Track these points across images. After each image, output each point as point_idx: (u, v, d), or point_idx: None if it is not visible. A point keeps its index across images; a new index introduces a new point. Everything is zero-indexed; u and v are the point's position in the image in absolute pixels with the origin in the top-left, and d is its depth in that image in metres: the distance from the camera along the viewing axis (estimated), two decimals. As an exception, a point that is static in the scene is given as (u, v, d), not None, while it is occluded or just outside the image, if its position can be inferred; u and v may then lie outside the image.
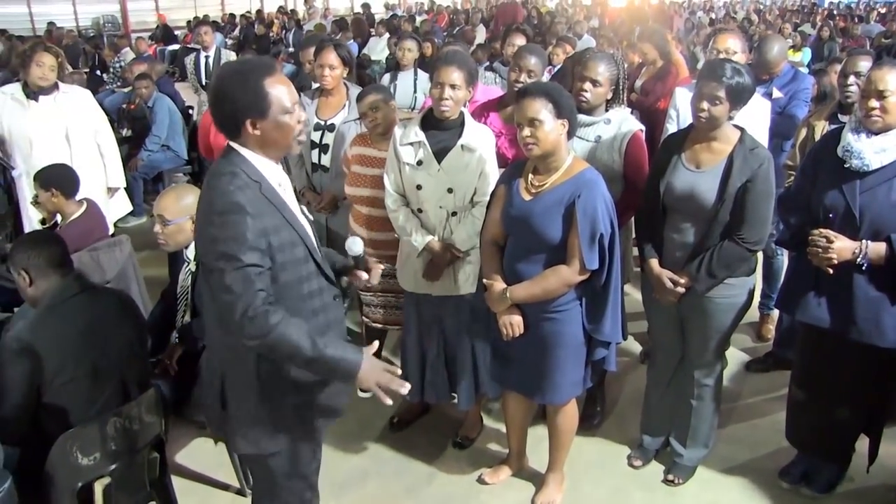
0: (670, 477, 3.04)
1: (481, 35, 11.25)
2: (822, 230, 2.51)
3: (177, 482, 2.75)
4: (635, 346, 4.02)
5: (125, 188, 4.83)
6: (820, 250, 2.50)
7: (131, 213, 5.71)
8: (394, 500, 3.01)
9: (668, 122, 3.52)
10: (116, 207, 4.76)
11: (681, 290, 2.70)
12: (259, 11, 18.56)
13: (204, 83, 6.38)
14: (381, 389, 1.86)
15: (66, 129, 4.21)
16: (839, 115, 3.26)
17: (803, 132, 3.40)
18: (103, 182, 4.44)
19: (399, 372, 1.89)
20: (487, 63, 5.96)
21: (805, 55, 10.17)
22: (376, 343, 2.02)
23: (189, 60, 6.80)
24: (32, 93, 4.15)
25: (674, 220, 2.71)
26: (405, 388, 1.87)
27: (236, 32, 16.36)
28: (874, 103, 2.46)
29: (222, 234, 1.79)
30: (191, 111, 7.14)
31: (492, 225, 2.68)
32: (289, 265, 1.89)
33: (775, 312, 3.97)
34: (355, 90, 3.60)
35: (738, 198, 2.55)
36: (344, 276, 2.22)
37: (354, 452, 3.27)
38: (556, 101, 2.42)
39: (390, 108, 3.24)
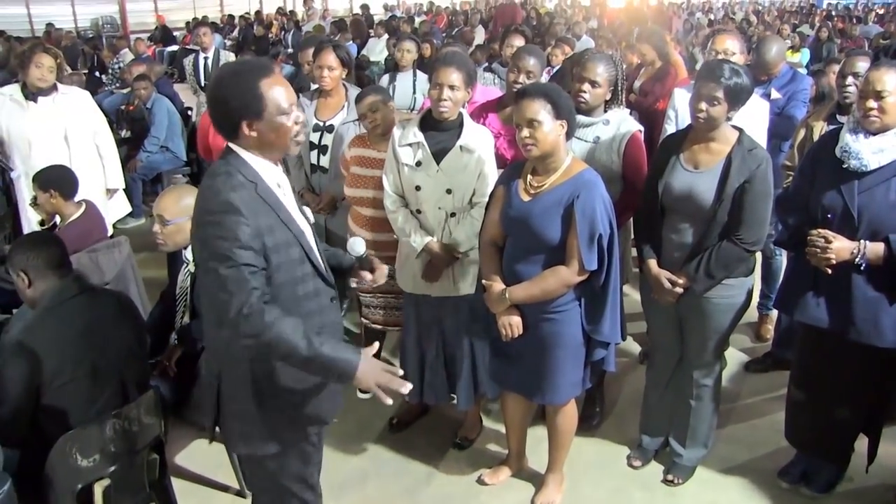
0: (670, 477, 3.04)
1: (480, 36, 11.25)
2: (820, 230, 2.52)
3: (176, 483, 2.75)
4: (634, 347, 4.02)
5: (124, 189, 4.83)
6: (818, 250, 2.51)
7: (130, 215, 5.71)
8: (393, 501, 3.01)
9: (666, 122, 3.53)
10: (115, 209, 4.76)
11: (679, 290, 2.71)
12: (258, 12, 18.54)
13: (203, 84, 6.37)
14: (381, 389, 1.83)
15: (65, 131, 4.21)
16: (837, 116, 3.27)
17: (802, 133, 3.41)
18: (102, 183, 4.44)
19: (400, 372, 1.87)
20: (486, 64, 5.96)
21: (803, 56, 10.18)
22: (377, 344, 2.01)
23: (188, 61, 6.80)
24: (31, 94, 4.15)
25: (672, 220, 2.71)
26: (406, 387, 1.85)
27: (235, 33, 16.35)
28: (872, 104, 2.46)
29: (216, 233, 1.79)
30: (189, 112, 7.14)
31: (491, 226, 2.69)
32: (284, 266, 1.89)
33: (774, 313, 3.98)
34: (354, 91, 3.60)
35: (736, 198, 2.55)
36: (351, 276, 2.20)
37: (354, 453, 3.27)
38: (555, 101, 2.43)
39: (389, 109, 3.24)
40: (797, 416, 2.93)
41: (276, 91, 1.85)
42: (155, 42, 14.75)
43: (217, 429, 2.10)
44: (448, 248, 2.90)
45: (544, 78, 3.69)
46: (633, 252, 3.27)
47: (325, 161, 3.77)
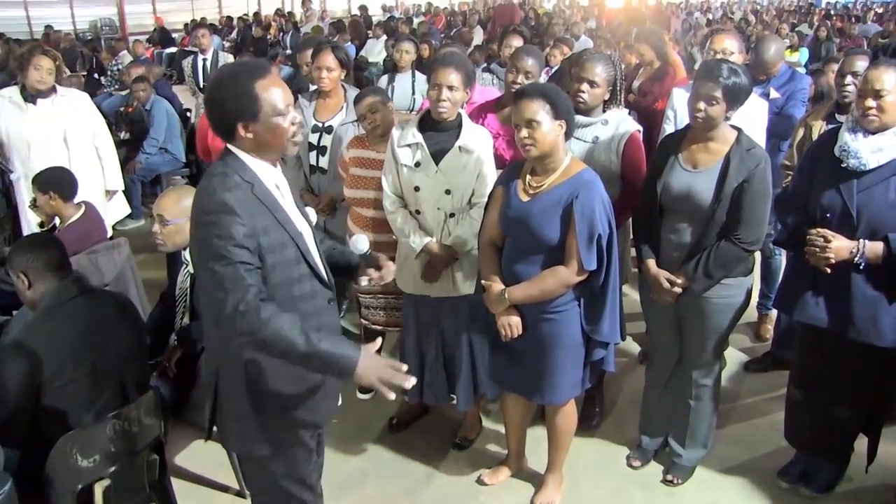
0: (669, 477, 3.04)
1: (478, 37, 11.26)
2: (819, 230, 2.52)
3: (176, 484, 2.75)
4: (634, 347, 4.02)
5: (123, 191, 4.83)
6: (817, 250, 2.51)
7: (129, 216, 5.71)
8: (393, 501, 3.01)
9: (665, 122, 3.53)
10: (114, 210, 4.76)
11: (678, 290, 2.71)
12: (256, 14, 18.55)
13: (201, 86, 6.38)
14: (383, 385, 1.81)
15: (64, 132, 4.22)
16: (836, 115, 3.27)
17: (800, 132, 3.41)
18: (101, 185, 4.45)
19: (404, 367, 1.84)
20: (485, 64, 5.96)
21: (802, 55, 10.20)
22: (379, 340, 2.00)
23: (186, 63, 6.80)
24: (30, 96, 4.16)
25: (671, 220, 2.72)
26: (410, 381, 1.81)
27: (233, 35, 16.36)
28: (871, 103, 2.47)
29: (212, 233, 1.80)
30: (188, 114, 7.15)
31: (490, 226, 2.69)
32: (279, 266, 1.89)
33: (774, 312, 3.98)
34: (353, 92, 3.60)
35: (734, 198, 2.55)
36: (359, 274, 2.19)
37: (353, 454, 3.27)
38: (554, 102, 2.43)
39: (388, 110, 3.25)
40: (797, 416, 2.93)
41: (272, 92, 1.85)
42: (153, 44, 14.77)
43: (215, 428, 2.11)
44: (447, 248, 2.90)
45: (543, 78, 3.69)
46: (633, 252, 3.27)
47: (324, 162, 3.77)
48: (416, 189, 2.88)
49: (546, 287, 2.51)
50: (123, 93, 7.89)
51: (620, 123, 2.98)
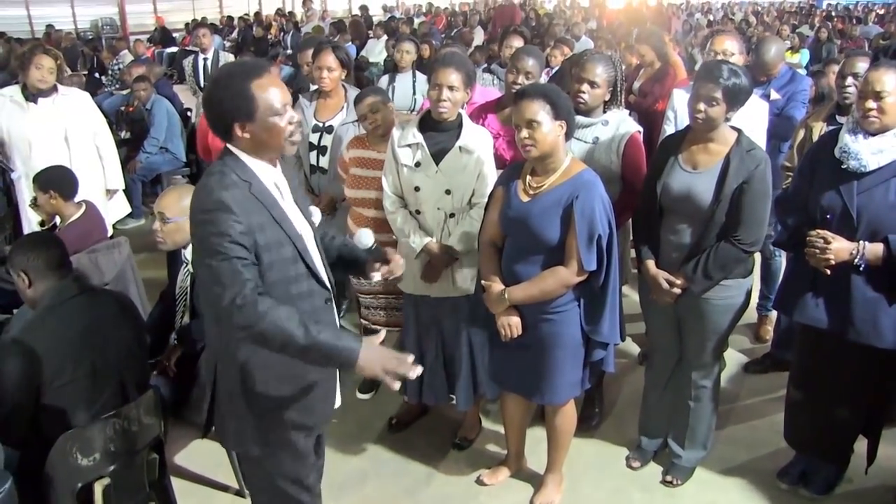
0: (669, 478, 3.04)
1: (479, 37, 11.26)
2: (819, 231, 2.52)
3: (176, 483, 2.75)
4: (634, 348, 4.02)
5: (124, 190, 4.84)
6: (817, 251, 2.51)
7: (130, 215, 5.72)
8: (393, 501, 3.01)
9: (665, 123, 3.53)
10: (115, 209, 4.76)
11: (677, 291, 2.71)
12: (257, 14, 18.54)
13: (202, 85, 6.38)
14: (388, 375, 1.79)
15: (65, 132, 4.22)
16: (837, 117, 3.27)
17: (801, 133, 3.41)
18: (102, 184, 4.45)
19: (410, 357, 1.82)
20: (485, 65, 5.96)
21: (803, 57, 10.20)
22: (383, 331, 1.99)
23: (187, 63, 6.81)
24: (31, 95, 4.16)
25: (670, 221, 2.72)
26: (416, 371, 1.80)
27: (234, 35, 16.38)
28: (871, 104, 2.47)
29: (208, 230, 1.80)
30: (189, 113, 7.15)
31: (490, 226, 2.69)
32: (276, 265, 1.89)
33: (773, 314, 3.98)
34: (353, 92, 3.60)
35: (734, 199, 2.56)
36: (369, 270, 2.18)
37: (353, 454, 3.27)
38: (554, 102, 2.43)
39: (389, 110, 3.25)
40: (796, 417, 2.93)
41: (268, 92, 1.85)
42: (154, 43, 14.77)
43: (214, 427, 2.11)
44: (447, 248, 2.90)
45: (543, 79, 3.70)
46: (633, 253, 3.27)
47: (324, 162, 3.77)
48: (417, 189, 2.88)
49: (546, 287, 2.52)
50: (124, 92, 7.89)
51: (621, 124, 2.98)
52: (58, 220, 3.49)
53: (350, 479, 3.11)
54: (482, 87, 4.25)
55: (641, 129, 3.06)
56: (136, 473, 2.43)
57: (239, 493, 3.00)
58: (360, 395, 3.68)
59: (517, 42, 4.63)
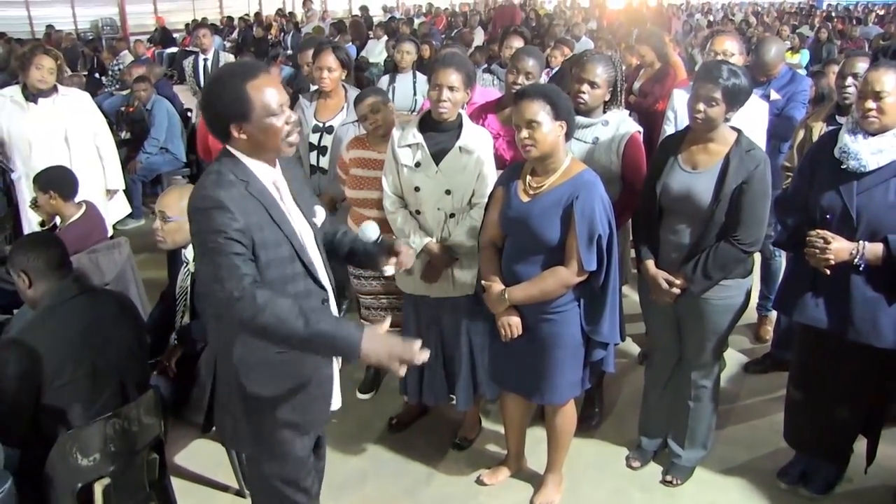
0: (669, 478, 3.04)
1: (479, 37, 11.26)
2: (819, 231, 2.52)
3: (176, 483, 2.75)
4: (634, 348, 4.02)
5: (124, 190, 4.84)
6: (817, 251, 2.51)
7: (130, 216, 5.72)
8: (393, 501, 3.01)
9: (665, 123, 3.53)
10: (115, 210, 4.76)
11: (676, 291, 2.71)
12: (257, 14, 18.54)
13: (202, 86, 6.37)
14: (393, 361, 1.77)
15: (66, 132, 4.22)
16: (837, 117, 3.27)
17: (801, 134, 3.41)
18: (102, 184, 4.45)
19: (417, 342, 1.79)
20: (485, 65, 5.96)
21: (803, 57, 10.20)
22: (388, 319, 1.97)
23: (187, 63, 6.81)
24: (31, 95, 4.16)
25: (670, 221, 2.72)
26: (423, 355, 1.78)
27: (234, 35, 16.38)
28: (871, 104, 2.47)
29: (203, 227, 1.81)
30: (189, 114, 7.15)
31: (490, 226, 2.69)
32: (273, 264, 1.89)
33: (773, 314, 3.98)
34: (353, 92, 3.61)
35: (733, 199, 2.56)
36: (380, 264, 2.15)
37: (353, 454, 3.27)
38: (554, 102, 2.43)
39: (389, 110, 3.25)
40: (796, 417, 2.93)
41: (264, 93, 1.85)
42: (154, 44, 14.77)
43: (214, 427, 2.12)
44: (447, 248, 2.90)
45: (543, 79, 3.70)
46: (633, 253, 3.28)
47: (324, 162, 3.77)
48: (417, 189, 2.88)
49: (546, 287, 2.52)
50: (124, 92, 7.89)
51: (621, 124, 2.98)
52: (58, 220, 3.49)
53: (350, 479, 3.11)
54: (482, 87, 4.25)
55: (641, 130, 3.06)
56: (136, 473, 2.43)
57: (239, 493, 3.00)
58: (359, 396, 3.68)
59: (517, 42, 4.63)
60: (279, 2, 22.23)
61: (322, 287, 2.05)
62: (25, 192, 4.17)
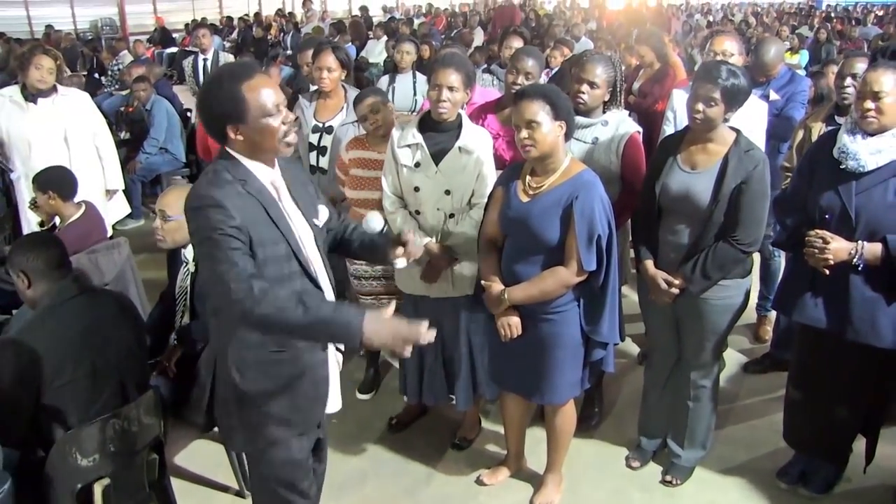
0: (668, 478, 3.04)
1: (479, 38, 11.27)
2: (818, 231, 2.53)
3: (176, 484, 2.75)
4: (633, 348, 4.03)
5: (123, 191, 4.84)
6: (816, 251, 2.52)
7: (129, 216, 5.72)
8: (392, 501, 3.01)
9: (665, 123, 3.54)
10: (115, 210, 4.76)
11: (675, 291, 2.71)
12: (257, 14, 18.53)
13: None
14: (398, 342, 1.76)
15: (65, 132, 4.22)
16: (836, 117, 3.27)
17: (800, 134, 3.42)
18: (102, 184, 4.45)
19: (424, 323, 1.77)
20: (485, 65, 5.96)
21: (802, 57, 10.20)
22: (393, 303, 1.96)
23: (187, 63, 6.81)
24: (31, 95, 4.16)
25: (669, 221, 2.72)
26: (430, 335, 1.77)
27: (234, 35, 16.37)
28: (870, 104, 2.47)
29: (200, 224, 1.82)
30: (189, 114, 7.15)
31: (490, 226, 2.69)
32: (270, 261, 1.89)
33: (773, 314, 3.98)
34: (353, 93, 3.61)
35: (732, 199, 2.56)
36: (390, 257, 2.13)
37: (353, 454, 3.28)
38: (554, 102, 2.44)
39: (389, 110, 3.26)
40: (795, 417, 2.93)
41: (260, 93, 1.85)
42: (154, 44, 14.76)
43: (215, 429, 2.12)
44: (447, 249, 2.90)
45: (543, 79, 3.70)
46: (632, 253, 3.28)
47: (324, 162, 3.77)
48: (416, 189, 2.88)
49: (546, 287, 2.52)
50: (124, 93, 7.89)
51: (620, 124, 2.98)
52: (57, 220, 3.49)
53: (350, 479, 3.11)
54: (482, 87, 4.25)
55: (641, 130, 3.06)
56: (135, 474, 2.43)
57: (239, 494, 3.00)
58: (359, 396, 3.68)
59: (517, 43, 4.63)
60: (279, 2, 22.23)
61: (319, 287, 2.04)
62: (25, 192, 4.17)
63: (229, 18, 18.81)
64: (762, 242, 2.82)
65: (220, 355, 2.04)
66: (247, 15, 19.03)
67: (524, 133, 2.44)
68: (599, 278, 2.52)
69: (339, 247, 2.25)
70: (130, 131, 6.64)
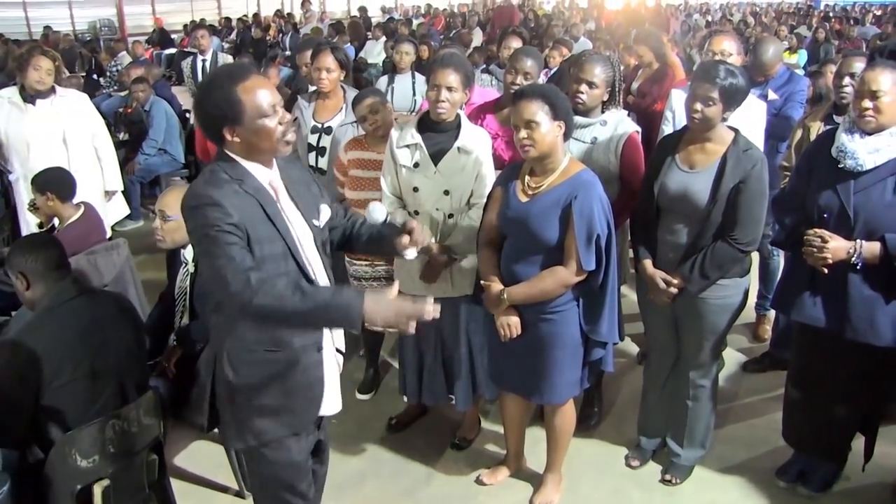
0: (668, 477, 3.04)
1: (478, 38, 11.28)
2: (816, 230, 2.53)
3: (175, 484, 2.75)
4: (633, 347, 4.03)
5: (122, 192, 4.84)
6: (815, 250, 2.52)
7: (128, 217, 5.71)
8: (392, 501, 3.01)
9: (664, 123, 3.54)
10: (114, 211, 4.76)
11: (674, 290, 2.72)
12: (256, 15, 18.52)
13: (200, 87, 6.36)
14: (401, 318, 1.74)
15: (64, 133, 4.22)
16: (834, 117, 3.28)
17: (799, 133, 3.42)
18: (101, 185, 4.45)
19: (430, 299, 1.75)
20: (484, 66, 5.97)
21: (801, 57, 10.21)
22: (396, 283, 1.95)
23: (186, 64, 6.80)
24: (29, 96, 4.16)
25: (667, 220, 2.72)
26: (436, 310, 1.75)
27: (233, 36, 16.35)
28: (867, 104, 2.47)
29: (197, 222, 1.82)
30: (188, 115, 7.13)
31: (489, 226, 2.70)
32: (267, 259, 1.89)
33: (772, 313, 3.99)
34: (352, 93, 3.61)
35: (730, 198, 2.56)
36: (398, 248, 2.09)
37: (353, 454, 3.28)
38: (553, 102, 2.44)
39: (388, 111, 3.26)
40: (794, 416, 2.94)
41: (255, 94, 1.85)
42: (153, 45, 14.74)
43: (215, 430, 2.12)
44: (446, 249, 2.90)
45: (541, 79, 3.70)
46: (631, 253, 3.28)
47: (323, 163, 3.77)
48: (415, 190, 2.88)
49: (545, 287, 2.52)
50: (122, 94, 7.88)
51: (619, 124, 2.98)
52: (56, 221, 3.49)
53: (349, 479, 3.11)
54: (481, 87, 4.25)
55: (639, 130, 3.06)
56: (135, 475, 2.43)
57: (238, 494, 3.00)
58: (359, 396, 3.68)
59: (516, 43, 4.64)
60: (277, 3, 22.20)
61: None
62: (23, 193, 4.17)
63: (228, 19, 18.78)
64: (761, 242, 2.82)
65: (217, 353, 2.04)
66: (245, 16, 19.02)
67: (523, 133, 2.44)
68: (599, 278, 2.52)
69: (348, 242, 2.24)
70: (129, 132, 6.63)
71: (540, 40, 8.96)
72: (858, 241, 2.48)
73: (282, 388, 2.02)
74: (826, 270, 2.52)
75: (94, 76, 10.78)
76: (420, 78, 4.99)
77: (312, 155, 3.79)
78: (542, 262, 2.54)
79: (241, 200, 1.85)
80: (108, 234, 3.82)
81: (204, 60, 6.58)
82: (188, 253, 2.78)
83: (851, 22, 14.99)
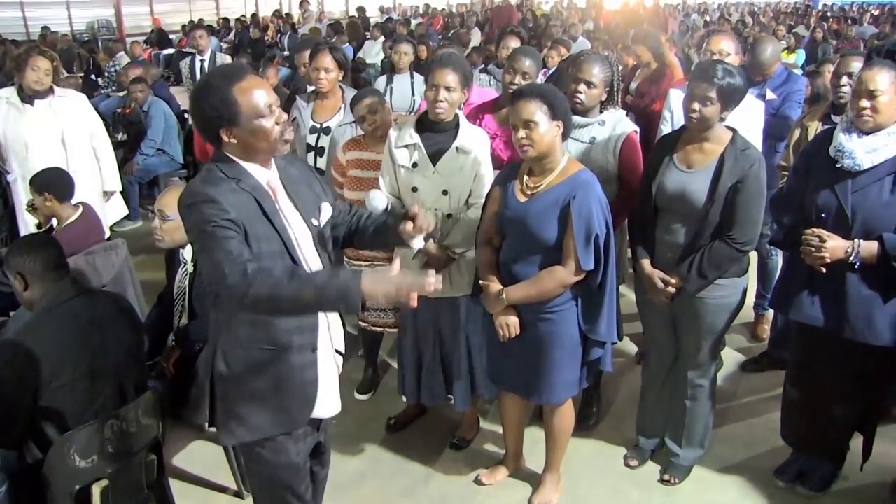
0: (666, 477, 3.05)
1: (476, 38, 11.28)
2: (814, 230, 2.53)
3: (175, 484, 2.75)
4: (631, 347, 4.03)
5: (121, 192, 4.83)
6: (813, 249, 2.52)
7: (127, 217, 5.69)
8: (391, 501, 3.01)
9: (662, 123, 3.54)
10: (112, 211, 4.74)
11: (672, 290, 2.72)
12: (254, 15, 18.51)
13: (198, 88, 6.36)
14: (402, 290, 1.71)
15: (62, 133, 4.21)
16: (832, 116, 3.28)
17: (797, 133, 3.43)
18: (99, 186, 4.45)
19: (431, 272, 1.72)
20: (482, 66, 5.98)
21: (799, 57, 10.22)
22: (398, 260, 1.92)
23: (184, 64, 6.81)
24: (28, 97, 4.15)
25: (665, 220, 2.73)
26: (437, 281, 1.72)
27: (231, 36, 16.32)
28: (865, 103, 2.48)
29: (194, 219, 1.82)
30: (186, 115, 7.13)
31: (487, 226, 2.70)
32: (265, 256, 1.88)
33: (770, 312, 3.99)
34: (351, 93, 3.61)
35: (728, 198, 2.57)
36: (404, 235, 2.05)
37: (351, 454, 3.28)
38: (551, 102, 2.44)
39: (386, 111, 3.26)
40: (793, 415, 2.94)
41: (251, 94, 1.84)
42: (151, 45, 14.72)
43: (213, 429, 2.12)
44: (445, 249, 2.90)
45: (540, 79, 3.70)
46: (629, 252, 3.28)
47: (321, 163, 3.77)
48: (414, 190, 2.88)
49: (544, 287, 2.52)
50: (121, 94, 7.88)
51: (617, 124, 2.99)
52: (55, 222, 3.49)
53: (348, 479, 3.11)
54: (479, 87, 4.25)
55: (638, 129, 3.07)
56: (134, 475, 2.43)
57: (237, 494, 3.00)
58: (358, 396, 3.68)
59: (514, 43, 4.63)
60: (276, 3, 22.19)
61: None
62: (22, 193, 4.17)
63: (226, 19, 18.74)
64: (759, 241, 2.82)
65: (213, 348, 2.03)
66: (244, 16, 19.00)
67: (521, 133, 2.44)
68: (597, 278, 2.52)
69: (354, 237, 2.22)
70: (127, 133, 6.63)
71: (538, 40, 8.97)
72: (856, 240, 2.49)
73: (272, 382, 2.00)
74: (824, 270, 2.53)
75: (93, 76, 10.78)
76: (418, 78, 4.99)
77: (311, 155, 3.79)
78: (541, 262, 2.54)
79: (238, 198, 1.85)
80: (107, 234, 3.82)
81: (202, 61, 6.58)
82: (187, 253, 2.78)
83: (849, 21, 15.03)
